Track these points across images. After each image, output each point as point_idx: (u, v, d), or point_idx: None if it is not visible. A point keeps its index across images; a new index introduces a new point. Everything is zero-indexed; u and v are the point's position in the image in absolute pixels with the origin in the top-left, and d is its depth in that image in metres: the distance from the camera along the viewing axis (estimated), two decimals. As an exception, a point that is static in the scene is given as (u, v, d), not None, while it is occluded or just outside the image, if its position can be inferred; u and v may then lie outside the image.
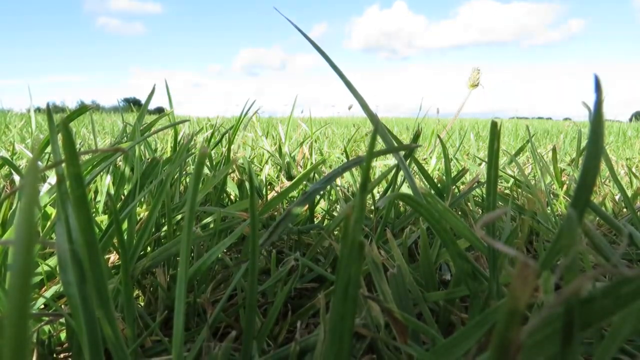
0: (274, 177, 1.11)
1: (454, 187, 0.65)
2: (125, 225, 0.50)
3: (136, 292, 0.52)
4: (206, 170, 0.88)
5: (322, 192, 0.84)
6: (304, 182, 0.76)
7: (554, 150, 0.85)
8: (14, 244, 0.11)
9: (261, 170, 1.07)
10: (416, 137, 0.38)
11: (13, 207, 0.49)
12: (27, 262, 0.11)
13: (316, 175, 1.02)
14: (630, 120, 6.89)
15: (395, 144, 0.34)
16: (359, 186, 0.18)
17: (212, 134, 1.13)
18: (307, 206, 0.74)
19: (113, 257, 0.55)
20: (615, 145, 2.43)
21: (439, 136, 0.74)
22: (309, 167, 1.03)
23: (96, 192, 0.73)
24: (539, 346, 0.17)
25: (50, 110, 0.21)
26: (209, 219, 0.61)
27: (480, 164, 1.08)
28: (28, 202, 0.11)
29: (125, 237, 0.48)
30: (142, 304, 0.50)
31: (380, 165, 1.23)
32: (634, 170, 1.23)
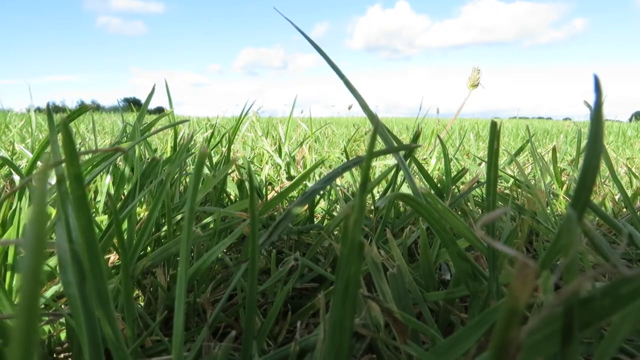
0: (274, 177, 1.11)
1: (453, 187, 0.65)
2: (125, 225, 0.50)
3: (136, 292, 0.52)
4: (206, 170, 0.88)
5: (322, 192, 0.84)
6: (304, 182, 0.76)
7: (553, 150, 0.85)
8: (21, 246, 0.11)
9: (261, 170, 1.07)
10: (416, 137, 0.38)
11: (13, 207, 0.49)
12: (37, 266, 0.11)
13: (316, 175, 1.02)
14: (630, 120, 6.89)
15: (395, 144, 0.34)
16: (358, 186, 0.18)
17: (212, 133, 1.13)
18: (307, 206, 0.74)
19: (113, 257, 0.55)
20: (615, 145, 2.43)
21: (438, 136, 0.74)
22: (308, 166, 1.03)
23: (96, 192, 0.73)
24: (539, 346, 0.17)
25: (50, 111, 0.21)
26: (208, 219, 0.61)
27: (480, 164, 1.08)
28: (38, 207, 0.11)
29: (125, 237, 0.48)
30: (142, 303, 0.50)
31: (380, 165, 1.23)
32: (633, 170, 1.23)
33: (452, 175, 0.66)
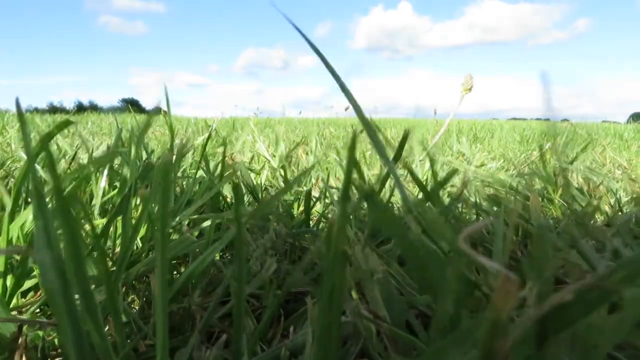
0: (270, 181, 1.11)
1: (443, 190, 0.65)
2: (120, 230, 0.50)
3: (131, 296, 0.52)
4: (203, 173, 0.88)
5: (318, 195, 0.85)
6: (301, 187, 0.76)
7: (540, 153, 0.85)
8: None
9: (258, 174, 1.07)
10: (404, 139, 0.38)
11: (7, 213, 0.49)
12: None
13: (312, 177, 1.02)
14: (628, 121, 6.87)
15: (386, 149, 0.34)
16: (340, 196, 0.18)
17: (209, 135, 1.13)
18: (303, 208, 0.75)
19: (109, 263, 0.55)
20: (611, 147, 2.43)
21: (423, 145, 0.74)
22: (305, 169, 1.03)
23: (91, 195, 0.73)
24: (516, 349, 0.17)
25: (23, 119, 0.21)
26: (205, 224, 0.61)
27: (471, 165, 1.08)
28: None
29: (120, 242, 0.48)
30: (137, 308, 0.50)
31: (377, 166, 1.23)
32: (630, 171, 1.24)
33: (442, 177, 0.65)
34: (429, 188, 0.57)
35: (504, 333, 0.17)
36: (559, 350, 0.18)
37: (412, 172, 0.38)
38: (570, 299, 0.15)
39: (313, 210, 0.82)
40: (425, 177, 0.93)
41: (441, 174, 0.68)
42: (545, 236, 0.17)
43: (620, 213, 0.85)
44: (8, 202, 0.46)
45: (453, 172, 0.41)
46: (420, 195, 0.40)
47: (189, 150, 1.01)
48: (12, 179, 0.71)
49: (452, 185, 0.89)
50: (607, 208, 0.87)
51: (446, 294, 0.20)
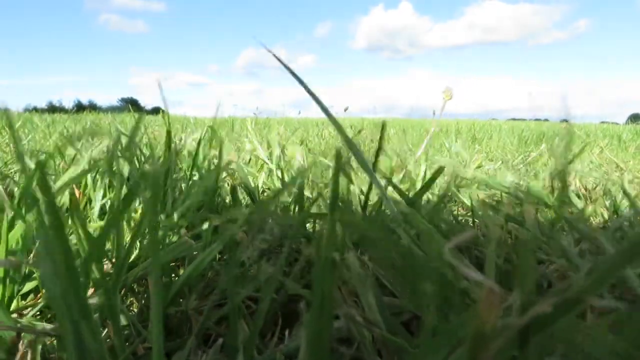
0: (268, 183, 1.11)
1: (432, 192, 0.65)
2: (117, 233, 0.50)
3: (130, 299, 0.52)
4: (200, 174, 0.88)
5: (311, 197, 0.85)
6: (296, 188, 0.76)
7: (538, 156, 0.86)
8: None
9: (255, 176, 1.07)
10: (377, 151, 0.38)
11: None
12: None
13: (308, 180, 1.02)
14: (627, 122, 6.86)
15: (366, 162, 0.35)
16: (328, 206, 0.19)
17: (212, 137, 1.13)
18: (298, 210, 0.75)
19: (107, 266, 0.56)
20: (609, 148, 2.43)
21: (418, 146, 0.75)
22: (304, 169, 1.03)
23: (90, 199, 0.74)
24: (499, 352, 0.18)
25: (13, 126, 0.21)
26: (204, 226, 0.61)
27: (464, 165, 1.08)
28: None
29: (117, 246, 0.49)
30: (136, 310, 0.50)
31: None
32: (626, 173, 1.24)
33: (428, 177, 0.65)
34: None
35: (487, 342, 0.17)
36: (542, 351, 0.19)
37: (393, 184, 0.38)
38: (549, 311, 0.16)
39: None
40: (420, 179, 0.93)
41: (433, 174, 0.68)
42: (529, 248, 0.17)
43: (616, 216, 0.85)
44: (7, 206, 0.46)
45: (439, 171, 0.41)
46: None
47: (183, 149, 1.02)
48: (12, 180, 0.71)
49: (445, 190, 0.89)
50: (603, 211, 0.87)
51: (431, 301, 0.21)
